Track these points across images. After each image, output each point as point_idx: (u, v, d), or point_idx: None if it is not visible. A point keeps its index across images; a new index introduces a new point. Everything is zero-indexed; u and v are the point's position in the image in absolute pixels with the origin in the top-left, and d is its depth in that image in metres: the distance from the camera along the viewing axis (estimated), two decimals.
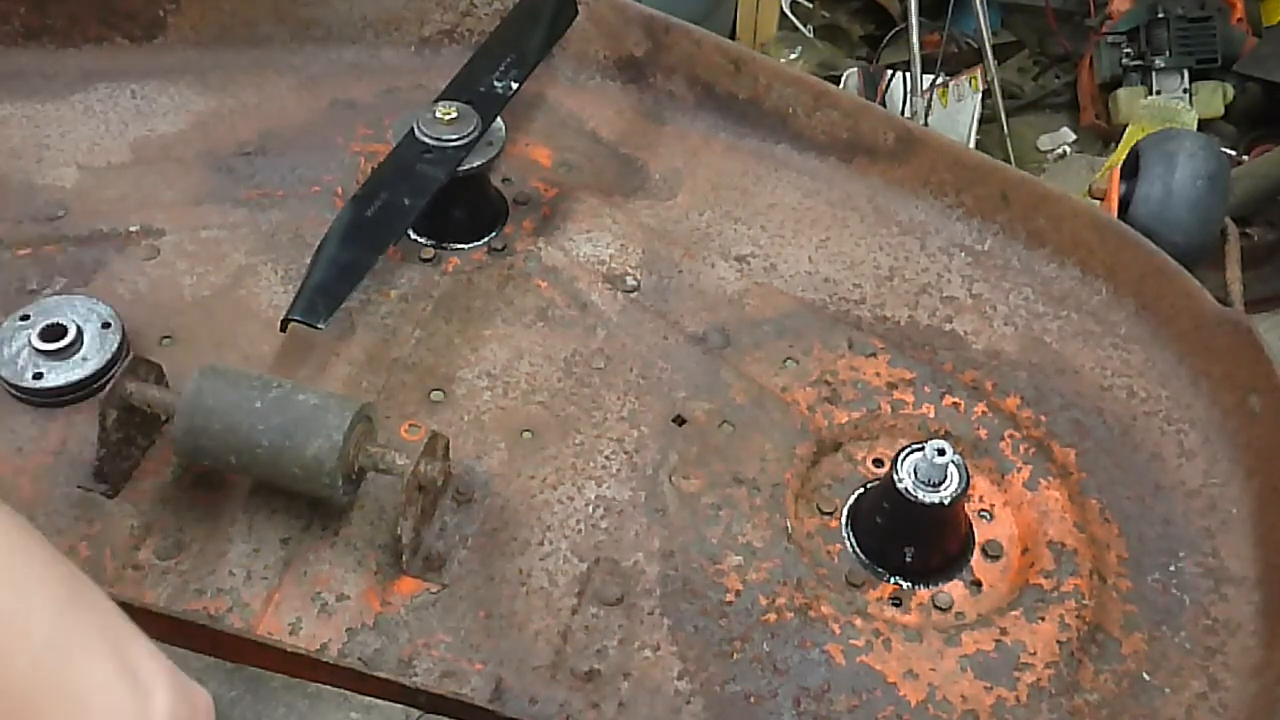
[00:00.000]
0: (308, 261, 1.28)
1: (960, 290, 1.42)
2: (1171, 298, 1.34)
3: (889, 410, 1.28)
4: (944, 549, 1.17)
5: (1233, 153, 3.21)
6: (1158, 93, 3.45)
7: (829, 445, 1.25)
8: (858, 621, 1.11)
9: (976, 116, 3.57)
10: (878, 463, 1.25)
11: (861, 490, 1.22)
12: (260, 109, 1.55)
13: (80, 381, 1.19)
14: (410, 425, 1.22)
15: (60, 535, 1.10)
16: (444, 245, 1.41)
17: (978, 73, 3.57)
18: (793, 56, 3.65)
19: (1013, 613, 1.13)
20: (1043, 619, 1.12)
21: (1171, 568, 1.18)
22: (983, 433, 1.27)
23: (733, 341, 1.34)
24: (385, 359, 1.28)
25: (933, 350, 1.36)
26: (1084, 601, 1.13)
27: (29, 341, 1.19)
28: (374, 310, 1.33)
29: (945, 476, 1.10)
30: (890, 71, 3.61)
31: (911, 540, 1.15)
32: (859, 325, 1.37)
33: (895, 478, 1.11)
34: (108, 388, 1.09)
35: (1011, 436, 1.26)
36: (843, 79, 3.59)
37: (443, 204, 1.36)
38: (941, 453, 1.09)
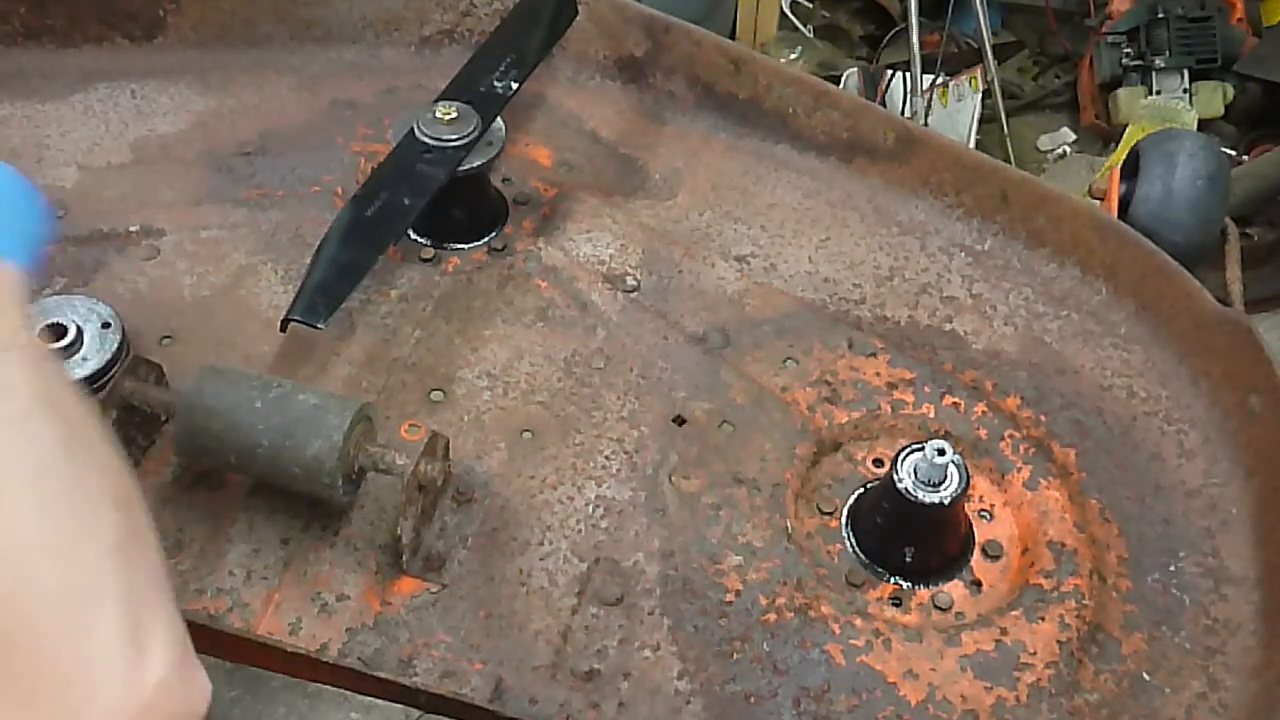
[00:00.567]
0: (308, 261, 1.28)
1: (960, 290, 1.42)
2: (1171, 298, 1.34)
3: (889, 410, 1.28)
4: (944, 549, 1.17)
5: (1233, 153, 3.21)
6: (1158, 93, 3.44)
7: (829, 445, 1.25)
8: (858, 621, 1.11)
9: (976, 116, 3.56)
10: (878, 463, 1.25)
11: (861, 490, 1.22)
12: (260, 109, 1.55)
13: (80, 381, 1.19)
14: (410, 425, 1.22)
15: None
16: (444, 245, 1.41)
17: (978, 73, 3.56)
18: (793, 56, 3.65)
19: (1013, 613, 1.13)
20: (1043, 619, 1.12)
21: (1171, 568, 1.18)
22: (983, 433, 1.27)
23: (733, 341, 1.34)
24: (385, 359, 1.28)
25: (933, 350, 1.36)
26: (1084, 601, 1.13)
27: None
28: (374, 310, 1.33)
29: (945, 476, 1.10)
30: (890, 71, 3.61)
31: (911, 540, 1.15)
32: (859, 325, 1.37)
33: (895, 478, 1.11)
34: (108, 388, 1.09)
35: (1011, 436, 1.26)
36: (843, 79, 3.58)
37: (443, 204, 1.36)
38: (941, 453, 1.09)
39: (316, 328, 1.21)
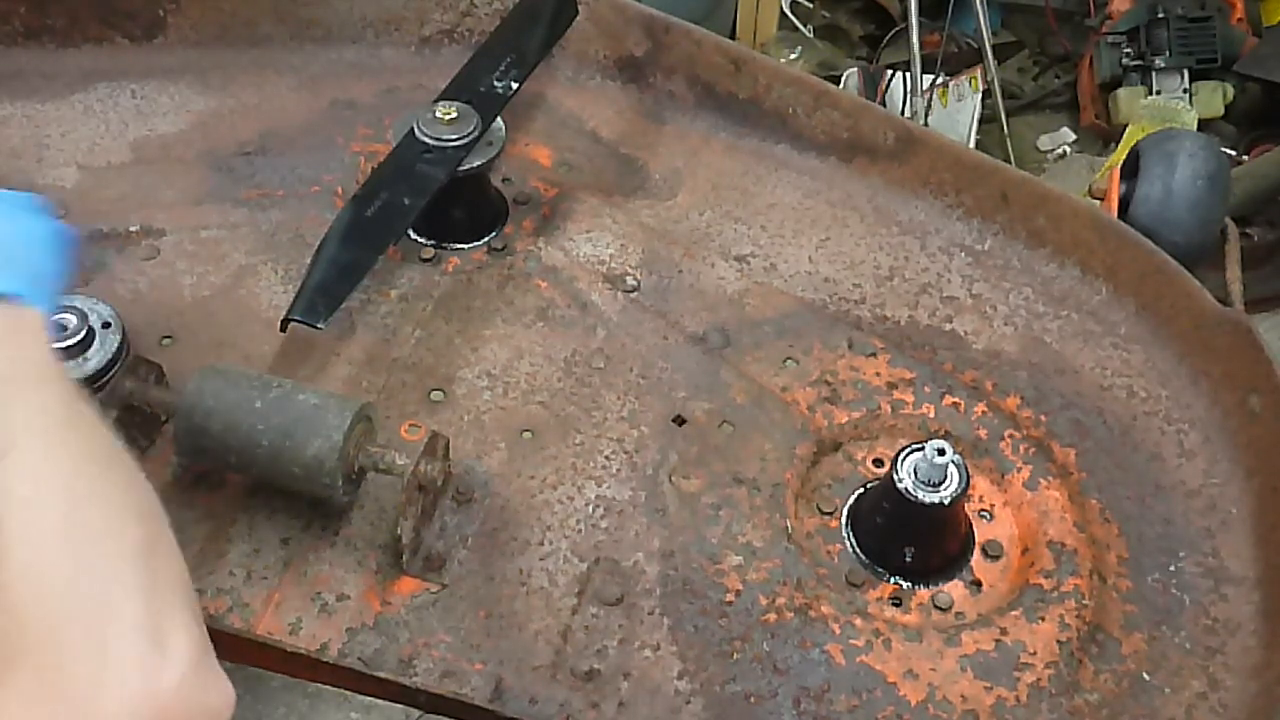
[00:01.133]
0: (308, 261, 1.28)
1: (960, 290, 1.42)
2: (1171, 298, 1.34)
3: (889, 410, 1.28)
4: (944, 549, 1.17)
5: (1233, 153, 3.21)
6: (1158, 93, 3.44)
7: (829, 445, 1.25)
8: (858, 621, 1.11)
9: (976, 116, 3.57)
10: (878, 463, 1.25)
11: (861, 490, 1.22)
12: (260, 109, 1.55)
13: (80, 381, 1.18)
14: (410, 425, 1.22)
15: None
16: (444, 245, 1.41)
17: (978, 73, 3.57)
18: (793, 56, 3.65)
19: (1013, 613, 1.13)
20: (1043, 619, 1.12)
21: (1171, 568, 1.18)
22: (983, 433, 1.27)
23: (733, 341, 1.34)
24: (385, 359, 1.28)
25: (933, 350, 1.36)
26: (1084, 601, 1.13)
27: None
28: (374, 310, 1.33)
29: (945, 476, 1.10)
30: (890, 71, 3.61)
31: (911, 540, 1.15)
32: (859, 325, 1.37)
33: (895, 478, 1.11)
34: (108, 388, 1.09)
35: (1011, 436, 1.26)
36: (843, 79, 3.58)
37: (443, 204, 1.36)
38: (941, 453, 1.09)
39: (316, 328, 1.21)
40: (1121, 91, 3.54)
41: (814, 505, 1.21)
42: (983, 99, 3.58)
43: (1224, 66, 3.43)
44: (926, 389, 1.30)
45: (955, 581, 1.16)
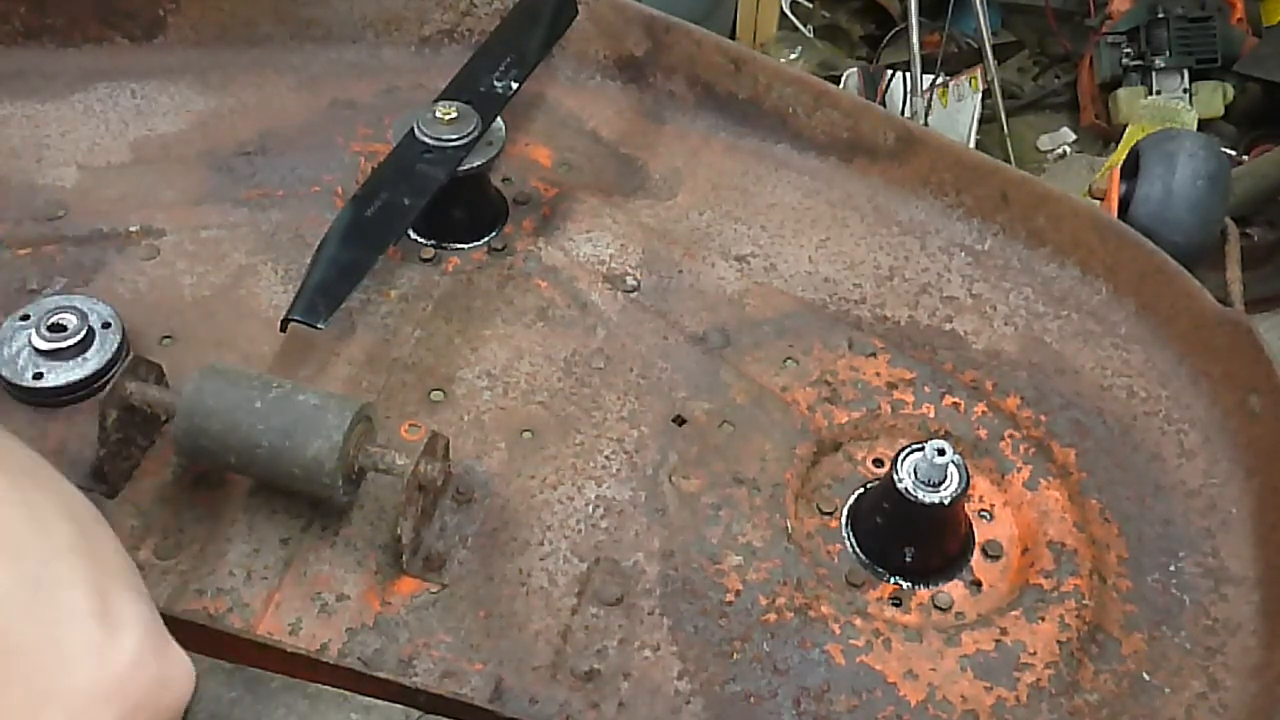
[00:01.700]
0: (308, 261, 1.28)
1: (960, 290, 1.42)
2: (1171, 298, 1.34)
3: (889, 410, 1.28)
4: (944, 549, 1.17)
5: (1233, 153, 3.22)
6: (1158, 93, 3.45)
7: (829, 445, 1.25)
8: (858, 621, 1.11)
9: (976, 116, 3.57)
10: (878, 463, 1.25)
11: (861, 490, 1.22)
12: (260, 109, 1.55)
13: (80, 381, 1.19)
14: (410, 425, 1.22)
15: None
16: (444, 245, 1.41)
17: (978, 73, 3.57)
18: (793, 56, 3.65)
19: (1013, 613, 1.13)
20: (1043, 619, 1.12)
21: (1171, 568, 1.18)
22: (983, 433, 1.27)
23: (733, 341, 1.34)
24: (385, 359, 1.28)
25: (933, 350, 1.36)
26: (1084, 601, 1.13)
27: (29, 341, 1.19)
28: (374, 310, 1.33)
29: (945, 476, 1.10)
30: (890, 71, 3.61)
31: (911, 540, 1.15)
32: (859, 325, 1.37)
33: (895, 478, 1.11)
34: (108, 388, 1.09)
35: (1011, 436, 1.26)
36: (843, 79, 3.59)
37: (443, 204, 1.36)
38: (941, 453, 1.09)
39: (316, 328, 1.21)
40: (1121, 91, 3.55)
41: (814, 505, 1.21)
42: (983, 99, 3.59)
43: (1224, 66, 3.43)
44: (926, 389, 1.30)
45: (955, 581, 1.16)
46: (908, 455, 1.12)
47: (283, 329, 1.22)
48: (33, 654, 0.68)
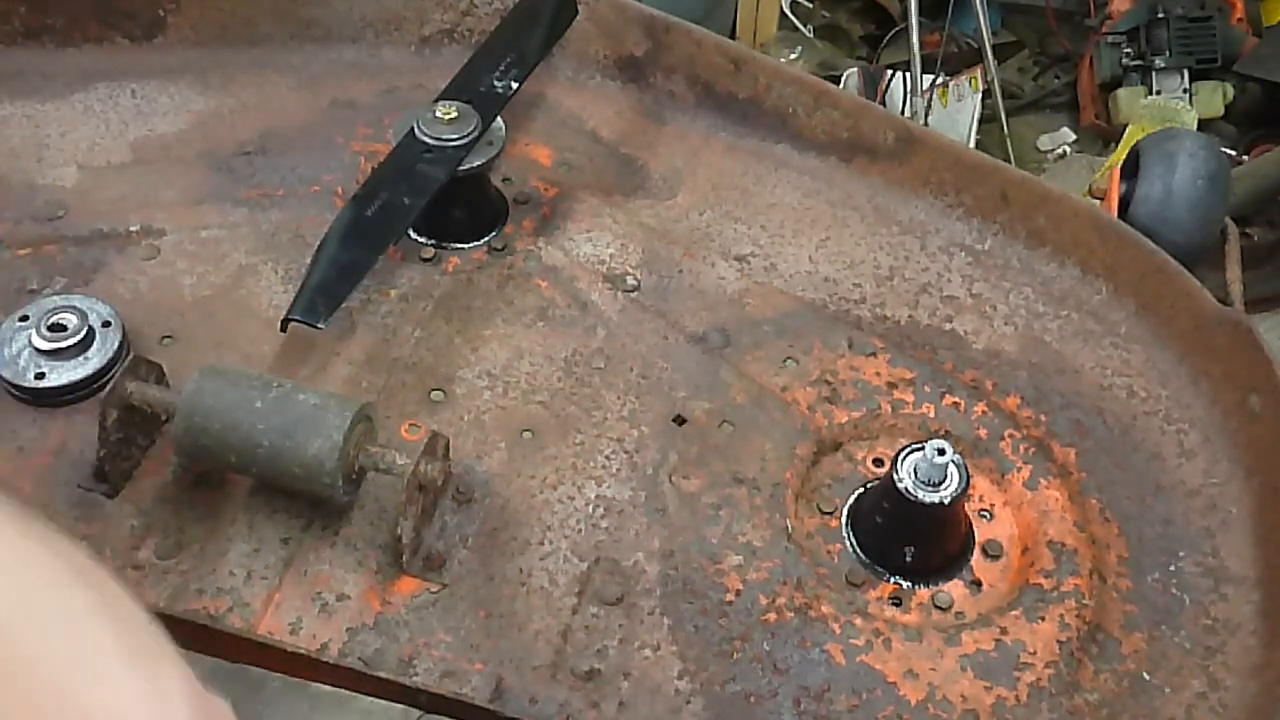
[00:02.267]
0: (308, 261, 1.28)
1: (960, 290, 1.42)
2: (1171, 298, 1.34)
3: (889, 410, 1.28)
4: (944, 549, 1.17)
5: (1233, 153, 3.22)
6: (1158, 93, 3.45)
7: (829, 445, 1.25)
8: (858, 621, 1.11)
9: (976, 116, 3.57)
10: (878, 462, 1.25)
11: (861, 490, 1.22)
12: (260, 109, 1.55)
13: (81, 381, 1.19)
14: (410, 425, 1.22)
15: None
16: (444, 245, 1.41)
17: (978, 73, 3.57)
18: (793, 56, 3.65)
19: (1013, 612, 1.13)
20: (1043, 619, 1.12)
21: (1171, 568, 1.18)
22: (983, 433, 1.27)
23: (733, 341, 1.34)
24: (385, 359, 1.28)
25: (933, 350, 1.36)
26: (1084, 601, 1.13)
27: (29, 341, 1.19)
28: (374, 310, 1.33)
29: (945, 476, 1.10)
30: (890, 71, 3.61)
31: (911, 540, 1.15)
32: (859, 325, 1.37)
33: (895, 477, 1.11)
34: (108, 388, 1.09)
35: (1011, 436, 1.26)
36: (843, 79, 3.59)
37: (443, 204, 1.36)
38: (941, 452, 1.09)
39: (316, 328, 1.21)
40: (1121, 91, 3.55)
41: (814, 505, 1.21)
42: (983, 99, 3.59)
43: (1224, 66, 3.43)
44: (926, 389, 1.30)
45: (955, 581, 1.16)
46: (908, 455, 1.12)
47: (283, 329, 1.22)
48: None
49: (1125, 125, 3.35)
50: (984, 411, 1.28)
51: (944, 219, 1.48)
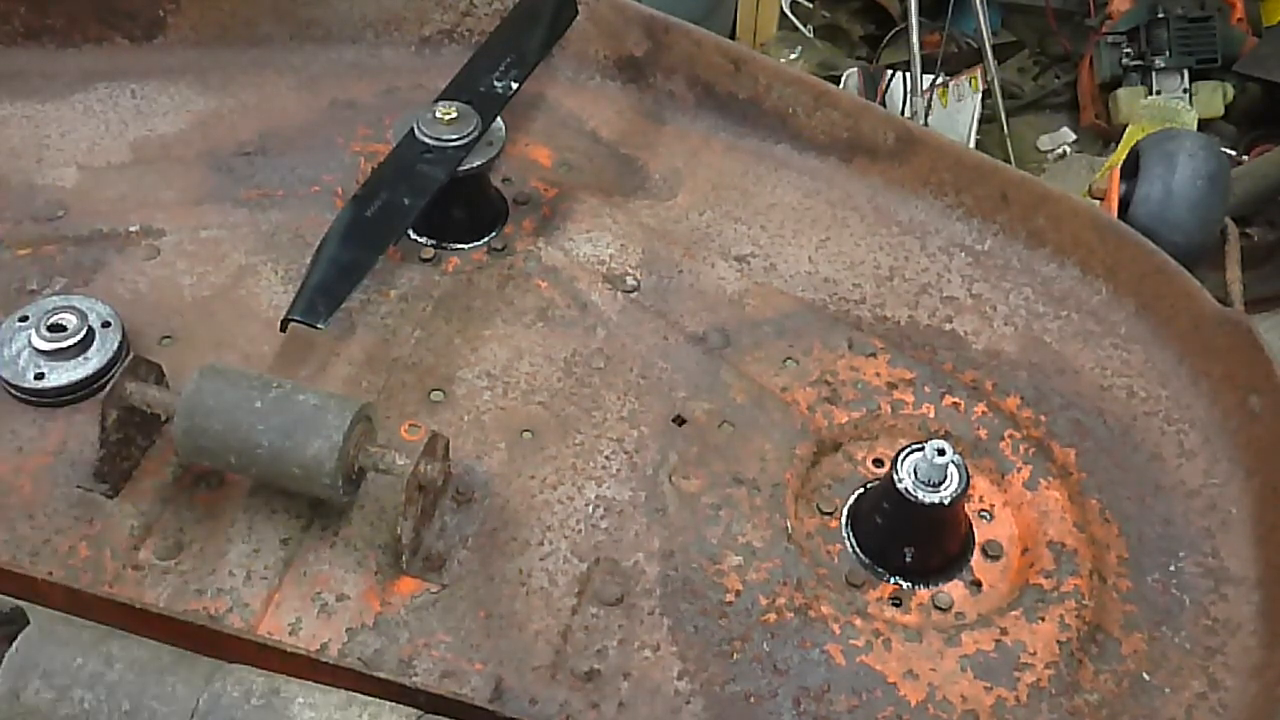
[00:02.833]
0: (308, 261, 1.28)
1: (960, 290, 1.42)
2: (1171, 298, 1.34)
3: (889, 410, 1.28)
4: (944, 549, 1.17)
5: (1233, 153, 3.21)
6: (1158, 93, 3.45)
7: (829, 445, 1.25)
8: (858, 621, 1.11)
9: (976, 116, 3.57)
10: (878, 463, 1.25)
11: (861, 490, 1.21)
12: (260, 109, 1.55)
13: (81, 381, 1.19)
14: (410, 425, 1.22)
15: (60, 535, 1.10)
16: (444, 245, 1.41)
17: (978, 73, 3.57)
18: (793, 56, 3.65)
19: (1013, 613, 1.12)
20: (1043, 619, 1.12)
21: (1171, 568, 1.18)
22: (983, 433, 1.27)
23: (733, 341, 1.34)
24: (385, 359, 1.28)
25: (933, 350, 1.36)
26: (1084, 601, 1.13)
27: (29, 342, 1.19)
28: (374, 310, 1.33)
29: (945, 476, 1.10)
30: (890, 71, 3.61)
31: (911, 540, 1.15)
32: (859, 325, 1.37)
33: (895, 478, 1.11)
34: (108, 388, 1.09)
35: (1011, 436, 1.26)
36: (843, 79, 3.59)
37: (443, 204, 1.36)
38: (941, 453, 1.09)
39: (316, 328, 1.21)
40: (1121, 91, 3.54)
41: (814, 505, 1.21)
42: (983, 99, 3.58)
43: (1224, 66, 3.43)
44: (926, 389, 1.30)
45: (955, 581, 1.16)
46: (908, 455, 1.12)
47: (283, 329, 1.22)
48: None
49: (1125, 125, 3.35)
50: (984, 412, 1.28)
51: (944, 219, 1.48)
